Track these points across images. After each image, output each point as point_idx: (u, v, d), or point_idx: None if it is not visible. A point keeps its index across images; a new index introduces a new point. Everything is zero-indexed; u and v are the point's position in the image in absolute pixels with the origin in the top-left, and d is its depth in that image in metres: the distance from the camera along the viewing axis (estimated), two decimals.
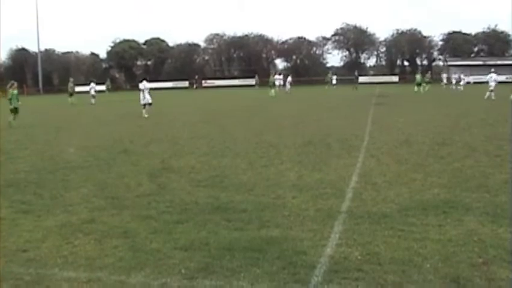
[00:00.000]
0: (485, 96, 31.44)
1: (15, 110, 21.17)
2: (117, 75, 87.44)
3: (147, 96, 24.34)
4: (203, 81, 77.48)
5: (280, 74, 60.75)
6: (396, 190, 7.65)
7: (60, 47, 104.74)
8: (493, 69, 34.36)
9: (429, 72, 60.91)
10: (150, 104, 24.22)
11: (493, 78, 32.97)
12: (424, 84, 47.96)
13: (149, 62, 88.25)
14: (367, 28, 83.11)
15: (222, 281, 4.50)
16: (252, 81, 67.57)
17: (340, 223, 6.07)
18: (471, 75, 58.46)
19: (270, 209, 6.81)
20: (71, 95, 39.35)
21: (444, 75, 58.32)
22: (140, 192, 8.01)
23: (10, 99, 21.28)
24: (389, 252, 5.06)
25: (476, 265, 4.68)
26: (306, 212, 6.62)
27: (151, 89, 25.82)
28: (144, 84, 25.06)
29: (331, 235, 5.62)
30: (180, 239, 5.60)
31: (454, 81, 51.10)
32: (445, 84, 54.11)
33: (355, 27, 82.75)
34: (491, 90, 31.92)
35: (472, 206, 6.67)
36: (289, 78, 54.20)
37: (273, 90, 44.44)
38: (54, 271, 4.83)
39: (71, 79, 42.69)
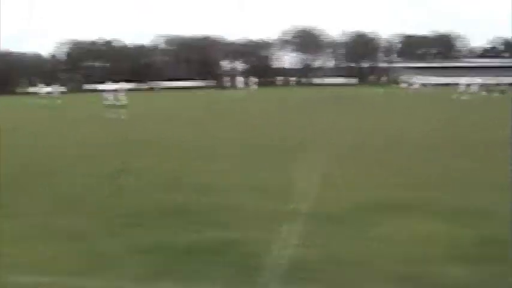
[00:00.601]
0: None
1: None
2: (72, 76, 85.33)
3: (119, 97, 23.62)
4: (160, 83, 76.69)
5: (246, 77, 60.97)
6: (356, 191, 7.73)
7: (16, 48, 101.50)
8: None
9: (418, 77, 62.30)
10: (123, 105, 23.43)
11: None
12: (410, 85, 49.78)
13: (106, 64, 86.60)
14: (323, 30, 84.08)
15: (179, 284, 4.44)
16: (207, 83, 67.39)
17: (299, 224, 6.08)
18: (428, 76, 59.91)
19: (229, 211, 6.77)
20: (29, 94, 38.34)
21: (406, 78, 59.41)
22: (98, 195, 7.83)
23: None
24: (348, 252, 5.09)
25: (433, 263, 4.76)
26: (265, 213, 6.60)
27: (105, 90, 25.26)
28: (120, 85, 24.55)
29: (290, 236, 5.62)
30: (138, 242, 5.50)
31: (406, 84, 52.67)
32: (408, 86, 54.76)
33: (310, 29, 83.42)
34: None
35: (429, 206, 6.79)
36: (253, 80, 54.70)
37: (237, 92, 44.19)
38: (7, 276, 4.65)
39: (31, 79, 41.67)
